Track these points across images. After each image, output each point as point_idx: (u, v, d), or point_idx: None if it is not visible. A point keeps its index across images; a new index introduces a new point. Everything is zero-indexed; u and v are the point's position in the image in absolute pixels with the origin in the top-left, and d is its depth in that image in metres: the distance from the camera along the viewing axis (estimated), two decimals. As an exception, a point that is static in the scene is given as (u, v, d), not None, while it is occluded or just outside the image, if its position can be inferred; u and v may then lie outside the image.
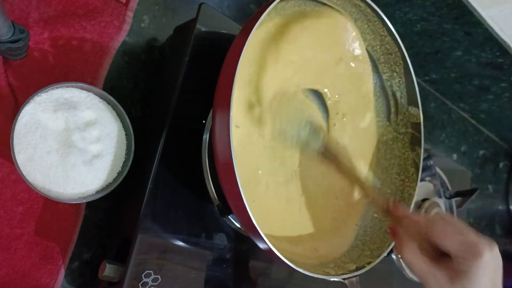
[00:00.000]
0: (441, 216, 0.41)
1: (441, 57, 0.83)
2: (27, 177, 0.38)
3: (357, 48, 0.53)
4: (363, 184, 0.49)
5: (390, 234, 0.44)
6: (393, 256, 0.70)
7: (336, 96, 0.52)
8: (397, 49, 0.53)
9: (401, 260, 0.70)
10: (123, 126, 0.44)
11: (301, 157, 0.50)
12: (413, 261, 0.40)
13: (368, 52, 0.54)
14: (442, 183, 0.80)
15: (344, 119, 0.53)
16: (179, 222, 0.45)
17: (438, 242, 0.39)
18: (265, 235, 0.38)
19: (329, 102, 0.52)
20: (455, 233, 0.38)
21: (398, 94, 0.55)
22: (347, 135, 0.53)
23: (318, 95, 0.52)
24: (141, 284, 0.41)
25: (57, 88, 0.41)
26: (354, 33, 0.52)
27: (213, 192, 0.46)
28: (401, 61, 0.53)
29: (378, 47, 0.54)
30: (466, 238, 0.38)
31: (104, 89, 0.46)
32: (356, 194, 0.52)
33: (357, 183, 0.49)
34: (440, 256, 0.39)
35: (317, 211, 0.50)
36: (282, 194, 0.48)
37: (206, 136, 0.47)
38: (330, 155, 0.48)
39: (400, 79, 0.54)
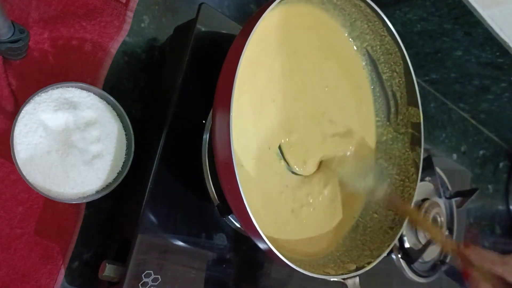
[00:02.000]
0: None
1: (441, 57, 0.83)
2: (27, 177, 0.38)
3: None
4: (432, 228, 0.47)
5: (463, 277, 0.43)
6: (393, 256, 0.70)
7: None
8: (397, 49, 0.53)
9: None
10: (123, 126, 0.44)
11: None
12: None
13: (368, 52, 0.54)
14: (442, 183, 0.80)
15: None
16: (179, 222, 0.45)
17: None
18: (265, 235, 0.38)
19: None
20: None
21: (398, 94, 0.55)
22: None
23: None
24: (141, 284, 0.41)
25: (57, 88, 0.41)
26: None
27: (213, 192, 0.46)
28: (401, 61, 0.53)
29: (378, 47, 0.54)
30: None
31: (104, 89, 0.46)
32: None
33: (424, 227, 0.47)
34: None
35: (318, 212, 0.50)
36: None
37: (206, 136, 0.47)
38: (397, 200, 0.47)
39: (400, 79, 0.54)
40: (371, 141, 0.55)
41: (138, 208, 0.42)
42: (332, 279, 0.44)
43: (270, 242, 0.38)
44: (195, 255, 0.46)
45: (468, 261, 0.42)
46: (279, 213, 0.46)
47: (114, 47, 0.48)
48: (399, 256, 0.71)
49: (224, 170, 0.39)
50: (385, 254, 0.48)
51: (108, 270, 0.41)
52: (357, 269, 0.46)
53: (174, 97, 0.45)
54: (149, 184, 0.43)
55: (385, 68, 0.55)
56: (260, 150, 0.44)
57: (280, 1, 0.41)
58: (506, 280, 0.38)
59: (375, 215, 0.53)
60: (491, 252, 0.42)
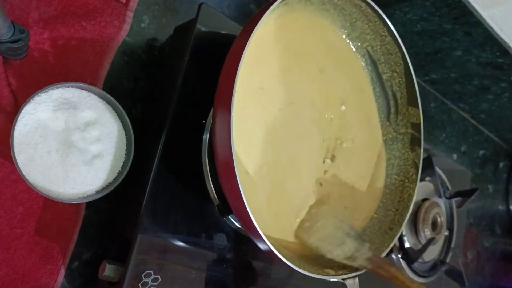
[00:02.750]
0: None
1: (441, 57, 0.83)
2: (27, 177, 0.38)
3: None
4: None
5: None
6: (393, 256, 0.70)
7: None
8: (397, 49, 0.53)
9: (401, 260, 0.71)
10: (123, 126, 0.44)
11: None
12: None
13: (368, 52, 0.54)
14: (442, 183, 0.80)
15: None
16: (179, 222, 0.45)
17: None
18: (265, 235, 0.38)
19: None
20: None
21: (398, 94, 0.55)
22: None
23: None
24: (141, 284, 0.41)
25: (57, 88, 0.41)
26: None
27: (213, 192, 0.46)
28: (401, 61, 0.53)
29: (379, 47, 0.54)
30: None
31: (104, 89, 0.46)
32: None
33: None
34: None
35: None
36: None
37: (206, 136, 0.47)
38: (379, 261, 0.45)
39: (400, 79, 0.54)
40: (377, 142, 0.55)
41: (138, 208, 0.42)
42: (332, 279, 0.44)
43: (270, 242, 0.38)
44: (195, 255, 0.46)
45: None
46: (283, 217, 0.46)
47: (114, 47, 0.48)
48: (399, 256, 0.71)
49: (224, 170, 0.39)
50: (384, 254, 0.48)
51: (108, 270, 0.41)
52: (357, 269, 0.46)
53: (174, 97, 0.45)
54: (149, 184, 0.43)
55: (385, 68, 0.55)
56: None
57: (280, 2, 0.41)
58: None
59: (375, 215, 0.53)
60: None
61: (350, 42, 0.54)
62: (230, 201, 0.41)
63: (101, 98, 0.43)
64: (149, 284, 0.42)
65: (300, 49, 0.49)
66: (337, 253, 0.45)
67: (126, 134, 0.44)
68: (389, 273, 0.45)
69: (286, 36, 0.47)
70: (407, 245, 0.72)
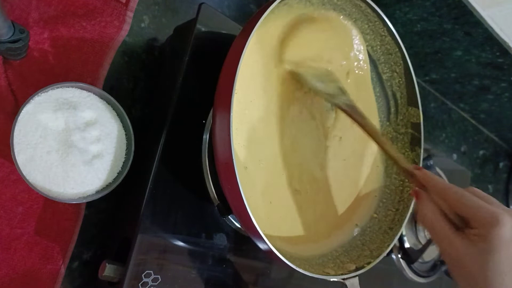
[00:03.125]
0: (470, 188, 0.39)
1: (441, 57, 0.83)
2: (27, 177, 0.38)
3: (361, 53, 0.53)
4: (386, 144, 0.45)
5: (414, 195, 0.42)
6: (393, 256, 0.70)
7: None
8: (397, 49, 0.53)
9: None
10: (123, 126, 0.44)
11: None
12: (434, 224, 0.38)
13: (368, 52, 0.54)
14: (442, 183, 0.80)
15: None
16: (179, 222, 0.45)
17: (461, 209, 0.37)
18: (265, 235, 0.38)
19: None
20: (479, 202, 0.37)
21: (398, 94, 0.55)
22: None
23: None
24: (141, 284, 0.41)
25: (57, 88, 0.41)
26: (358, 37, 0.52)
27: (213, 192, 0.46)
28: (401, 61, 0.53)
29: (378, 47, 0.54)
30: (490, 207, 0.36)
31: (104, 89, 0.46)
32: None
33: (380, 143, 0.45)
34: (461, 227, 0.38)
35: (319, 211, 0.50)
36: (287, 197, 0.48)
37: (206, 136, 0.47)
38: (355, 112, 0.46)
39: (400, 79, 0.54)
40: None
41: (138, 208, 0.42)
42: (331, 279, 0.44)
43: (270, 242, 0.38)
44: (195, 255, 0.46)
45: (419, 182, 0.42)
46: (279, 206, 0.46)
47: (114, 47, 0.48)
48: (399, 256, 0.71)
49: (224, 170, 0.39)
50: (384, 254, 0.48)
51: (108, 270, 0.41)
52: (357, 269, 0.46)
53: (174, 97, 0.45)
54: (149, 184, 0.43)
55: (385, 68, 0.55)
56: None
57: (280, 1, 0.41)
58: (455, 208, 0.38)
59: (375, 215, 0.53)
60: (444, 181, 0.41)
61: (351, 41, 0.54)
62: (230, 201, 0.41)
63: (101, 98, 0.43)
64: (149, 284, 0.42)
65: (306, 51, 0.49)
66: (320, 86, 0.46)
67: (126, 134, 0.44)
68: (362, 121, 0.46)
69: (286, 37, 0.47)
70: (407, 245, 0.72)
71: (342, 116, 0.51)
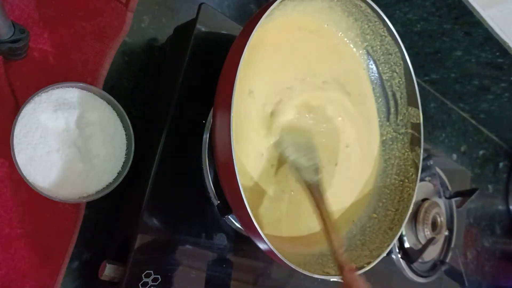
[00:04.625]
0: None
1: (441, 57, 0.83)
2: (27, 177, 0.38)
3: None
4: (333, 232, 0.44)
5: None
6: (393, 256, 0.70)
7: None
8: (397, 49, 0.53)
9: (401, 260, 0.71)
10: (123, 126, 0.44)
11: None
12: None
13: (368, 52, 0.54)
14: (442, 183, 0.80)
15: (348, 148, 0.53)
16: (179, 222, 0.45)
17: None
18: (265, 235, 0.38)
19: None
20: None
21: (398, 94, 0.55)
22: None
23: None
24: (141, 284, 0.41)
25: (57, 88, 0.41)
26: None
27: (213, 192, 0.46)
28: (401, 61, 0.53)
29: (378, 47, 0.54)
30: None
31: (104, 89, 0.46)
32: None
33: (329, 230, 0.45)
34: None
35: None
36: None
37: (206, 136, 0.47)
38: (317, 192, 0.46)
39: (400, 79, 0.54)
40: (375, 142, 0.55)
41: (138, 208, 0.43)
42: (332, 279, 0.44)
43: (270, 242, 0.38)
44: (195, 255, 0.46)
45: (345, 282, 0.42)
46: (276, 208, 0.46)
47: (114, 47, 0.48)
48: (399, 256, 0.71)
49: (224, 170, 0.39)
50: (384, 254, 0.48)
51: (108, 270, 0.41)
52: (357, 269, 0.46)
53: (174, 97, 0.45)
54: (149, 184, 0.43)
55: (385, 68, 0.55)
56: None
57: (280, 2, 0.41)
58: None
59: (374, 215, 0.53)
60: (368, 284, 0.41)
61: (350, 42, 0.54)
62: (230, 201, 0.41)
63: (101, 98, 0.43)
64: (149, 284, 0.42)
65: (300, 50, 0.49)
66: (299, 162, 0.46)
67: (126, 134, 0.44)
68: (320, 202, 0.45)
69: (286, 37, 0.47)
70: (407, 245, 0.72)
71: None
